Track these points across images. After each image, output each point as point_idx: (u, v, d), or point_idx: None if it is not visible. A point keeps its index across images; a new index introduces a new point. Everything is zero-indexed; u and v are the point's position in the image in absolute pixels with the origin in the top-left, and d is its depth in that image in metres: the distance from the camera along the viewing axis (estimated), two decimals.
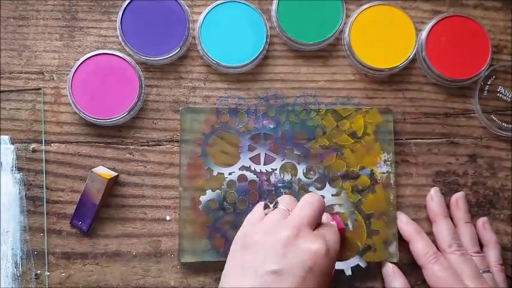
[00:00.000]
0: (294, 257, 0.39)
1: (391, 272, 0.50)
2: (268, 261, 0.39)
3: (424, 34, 0.53)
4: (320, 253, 0.39)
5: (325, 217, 0.46)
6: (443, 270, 0.47)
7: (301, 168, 0.52)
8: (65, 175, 0.52)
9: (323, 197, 0.51)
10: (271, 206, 0.44)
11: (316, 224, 0.43)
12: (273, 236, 0.40)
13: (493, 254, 0.50)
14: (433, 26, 0.53)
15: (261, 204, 0.45)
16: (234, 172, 0.51)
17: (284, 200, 0.44)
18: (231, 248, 0.43)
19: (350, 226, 0.51)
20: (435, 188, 0.52)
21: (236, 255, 0.42)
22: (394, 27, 0.53)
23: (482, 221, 0.51)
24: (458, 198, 0.51)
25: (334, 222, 0.46)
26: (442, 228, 0.50)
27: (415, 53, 0.53)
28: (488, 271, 0.48)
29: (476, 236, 0.51)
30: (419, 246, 0.49)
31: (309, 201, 0.43)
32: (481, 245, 0.51)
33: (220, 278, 0.51)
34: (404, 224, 0.51)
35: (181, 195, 0.51)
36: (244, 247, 0.41)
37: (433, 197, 0.51)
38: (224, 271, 0.42)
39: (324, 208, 0.44)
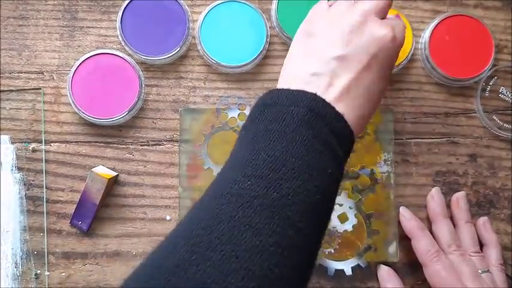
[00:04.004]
0: (359, 42, 0.38)
1: (386, 274, 0.50)
2: (332, 47, 0.38)
3: (427, 33, 0.53)
4: (386, 39, 0.38)
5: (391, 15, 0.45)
6: (443, 269, 0.47)
7: None
8: (64, 175, 0.52)
9: None
10: None
11: (385, 16, 0.41)
12: (339, 23, 0.39)
13: (493, 254, 0.50)
14: (436, 25, 0.53)
15: None
16: None
17: None
18: (294, 37, 0.42)
19: (350, 226, 0.51)
20: (436, 187, 0.52)
21: (299, 42, 0.41)
22: None
23: (482, 221, 0.51)
24: (458, 198, 0.51)
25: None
26: (441, 229, 0.50)
27: (413, 53, 0.53)
28: (488, 271, 0.48)
29: (476, 236, 0.50)
30: (421, 244, 0.49)
31: None
32: (482, 245, 0.51)
33: None
34: (407, 220, 0.50)
35: (181, 195, 0.51)
36: (308, 34, 0.40)
37: (434, 197, 0.51)
38: (286, 59, 0.41)
39: (390, 3, 0.42)
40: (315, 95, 0.36)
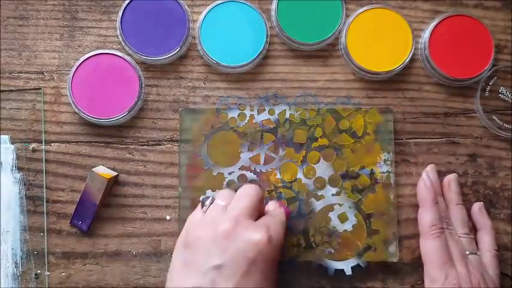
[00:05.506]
0: (235, 249, 0.38)
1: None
2: (210, 257, 0.38)
3: (427, 33, 0.53)
4: (262, 242, 0.38)
5: (272, 205, 0.46)
6: (440, 247, 0.47)
7: (301, 168, 0.52)
8: (64, 175, 0.52)
9: (322, 197, 0.51)
10: (208, 202, 0.43)
11: (258, 213, 0.42)
12: (213, 231, 0.39)
13: (487, 240, 0.49)
14: (436, 25, 0.53)
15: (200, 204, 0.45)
16: (233, 172, 0.51)
17: (221, 194, 0.44)
18: (174, 250, 0.42)
19: (350, 226, 0.51)
20: (431, 165, 0.51)
21: (179, 255, 0.41)
22: (390, 30, 0.53)
23: (478, 206, 0.51)
24: (450, 180, 0.51)
25: (281, 209, 0.46)
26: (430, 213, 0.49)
27: (414, 53, 0.53)
28: (476, 253, 0.48)
29: (467, 218, 0.50)
30: (429, 217, 0.48)
31: (245, 192, 0.43)
32: (476, 231, 0.51)
33: None
34: (426, 187, 0.49)
35: (181, 195, 0.51)
36: (186, 246, 0.41)
37: (426, 182, 0.50)
38: (168, 272, 0.41)
39: (262, 197, 0.43)
40: None
